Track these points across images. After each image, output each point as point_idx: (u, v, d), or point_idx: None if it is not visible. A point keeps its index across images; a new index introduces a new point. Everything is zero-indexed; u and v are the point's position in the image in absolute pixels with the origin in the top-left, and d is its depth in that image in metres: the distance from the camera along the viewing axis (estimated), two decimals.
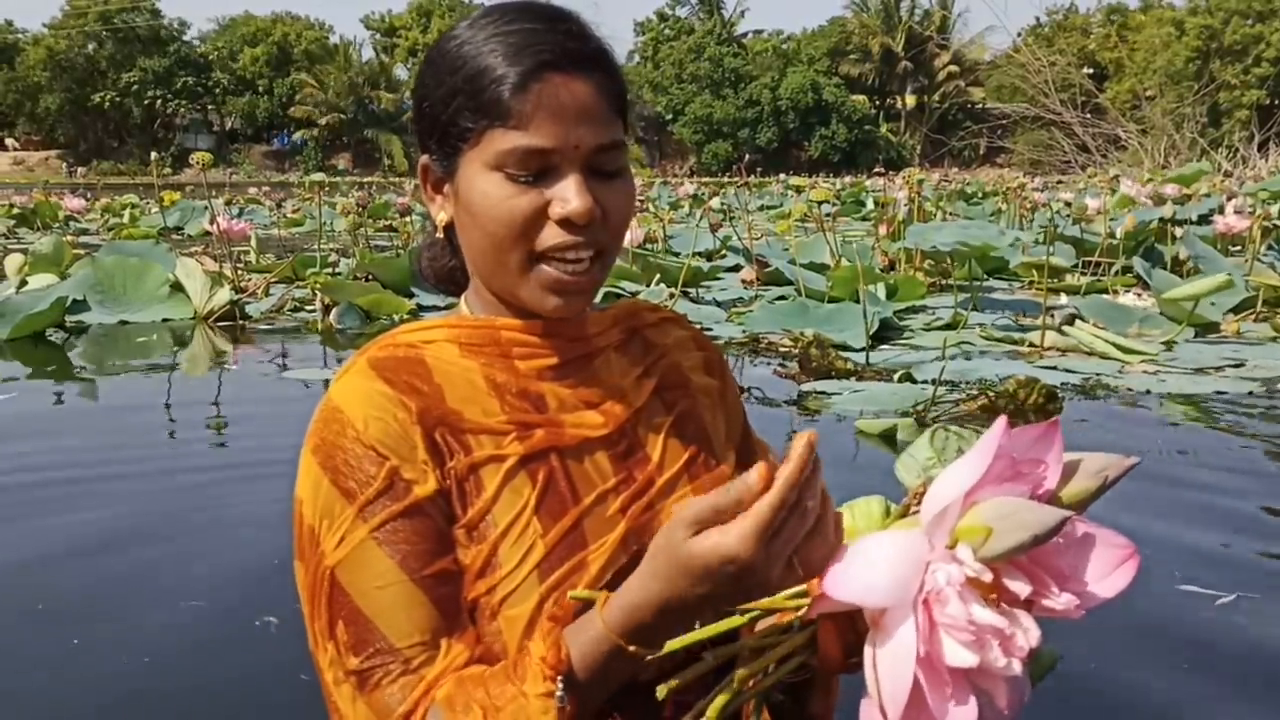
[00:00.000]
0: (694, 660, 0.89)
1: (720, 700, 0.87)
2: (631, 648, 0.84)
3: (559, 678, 0.84)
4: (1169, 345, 5.54)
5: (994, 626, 0.74)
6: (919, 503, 0.82)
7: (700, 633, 0.86)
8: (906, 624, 0.75)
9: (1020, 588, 0.77)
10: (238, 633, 2.29)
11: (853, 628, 0.87)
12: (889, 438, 3.78)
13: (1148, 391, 4.55)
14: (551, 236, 0.95)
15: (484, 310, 1.05)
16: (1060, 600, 0.78)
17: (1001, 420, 0.78)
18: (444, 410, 0.97)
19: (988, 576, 0.75)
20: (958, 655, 0.74)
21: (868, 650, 0.78)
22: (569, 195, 0.93)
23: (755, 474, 0.77)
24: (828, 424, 4.06)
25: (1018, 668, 0.76)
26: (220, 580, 2.59)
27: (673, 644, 0.85)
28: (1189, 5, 54.50)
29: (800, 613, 0.87)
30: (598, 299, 1.06)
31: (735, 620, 0.87)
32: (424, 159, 1.02)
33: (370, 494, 0.92)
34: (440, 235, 1.07)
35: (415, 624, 0.91)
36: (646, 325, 1.14)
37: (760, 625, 0.91)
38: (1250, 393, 4.51)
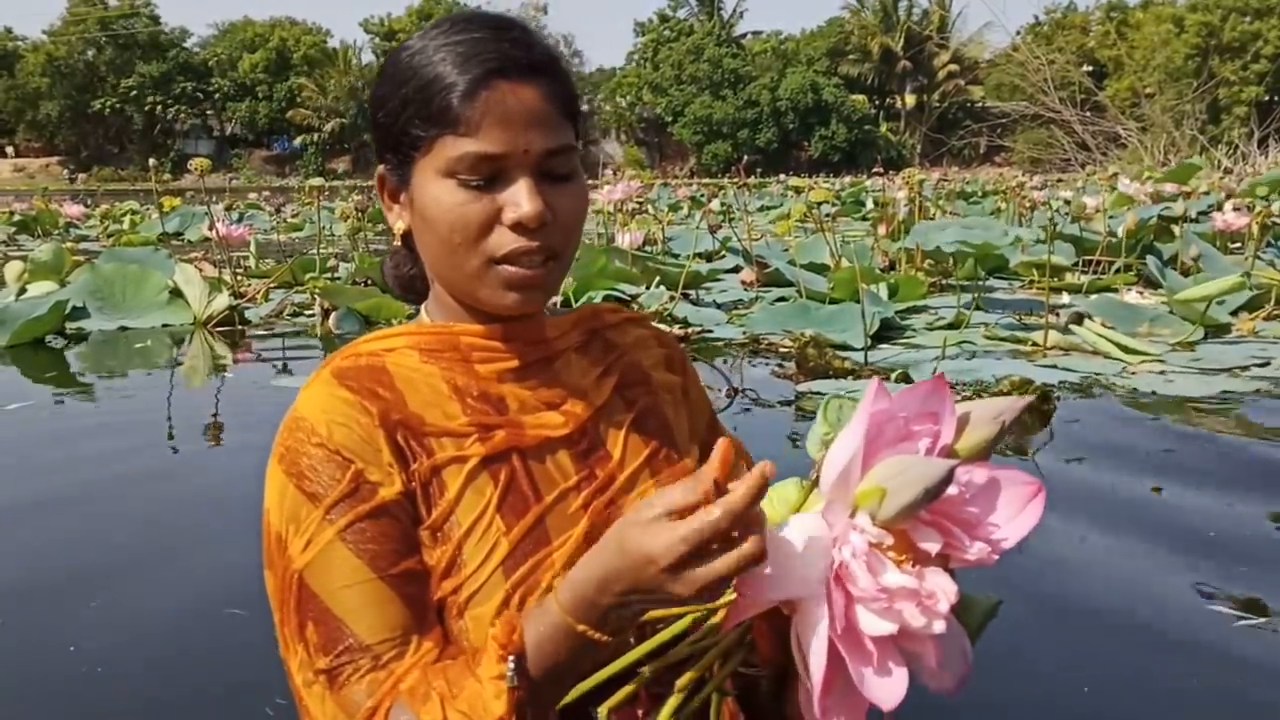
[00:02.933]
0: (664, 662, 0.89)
1: (670, 705, 0.87)
2: (580, 628, 0.84)
3: (510, 658, 0.85)
4: (1190, 346, 5.47)
5: (905, 588, 0.75)
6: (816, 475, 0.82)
7: (657, 613, 0.87)
8: (819, 604, 0.75)
9: (931, 545, 0.77)
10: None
11: (783, 616, 0.87)
12: None
13: (1153, 393, 4.52)
14: (507, 242, 0.97)
15: (444, 316, 1.07)
16: (973, 550, 0.78)
17: (874, 381, 0.79)
18: (406, 414, 0.98)
19: (889, 540, 0.75)
20: (874, 625, 0.75)
21: (792, 635, 0.78)
22: (520, 200, 0.95)
23: (709, 468, 0.77)
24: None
25: (940, 626, 0.76)
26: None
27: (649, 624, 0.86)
28: (1188, 2, 54.48)
29: (718, 617, 0.88)
30: (581, 299, 1.07)
31: (677, 627, 0.88)
32: (380, 169, 1.05)
33: (335, 496, 0.93)
34: (398, 243, 1.09)
35: (385, 621, 0.92)
36: (607, 326, 1.16)
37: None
38: (1258, 391, 4.48)
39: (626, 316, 1.20)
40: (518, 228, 0.96)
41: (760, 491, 0.75)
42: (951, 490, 0.76)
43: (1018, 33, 43.17)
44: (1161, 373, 4.90)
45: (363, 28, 71.53)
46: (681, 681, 0.87)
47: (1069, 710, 1.99)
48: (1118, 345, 5.31)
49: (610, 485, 1.05)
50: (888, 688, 0.75)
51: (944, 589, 0.77)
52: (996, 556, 0.80)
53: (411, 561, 0.95)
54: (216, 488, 3.45)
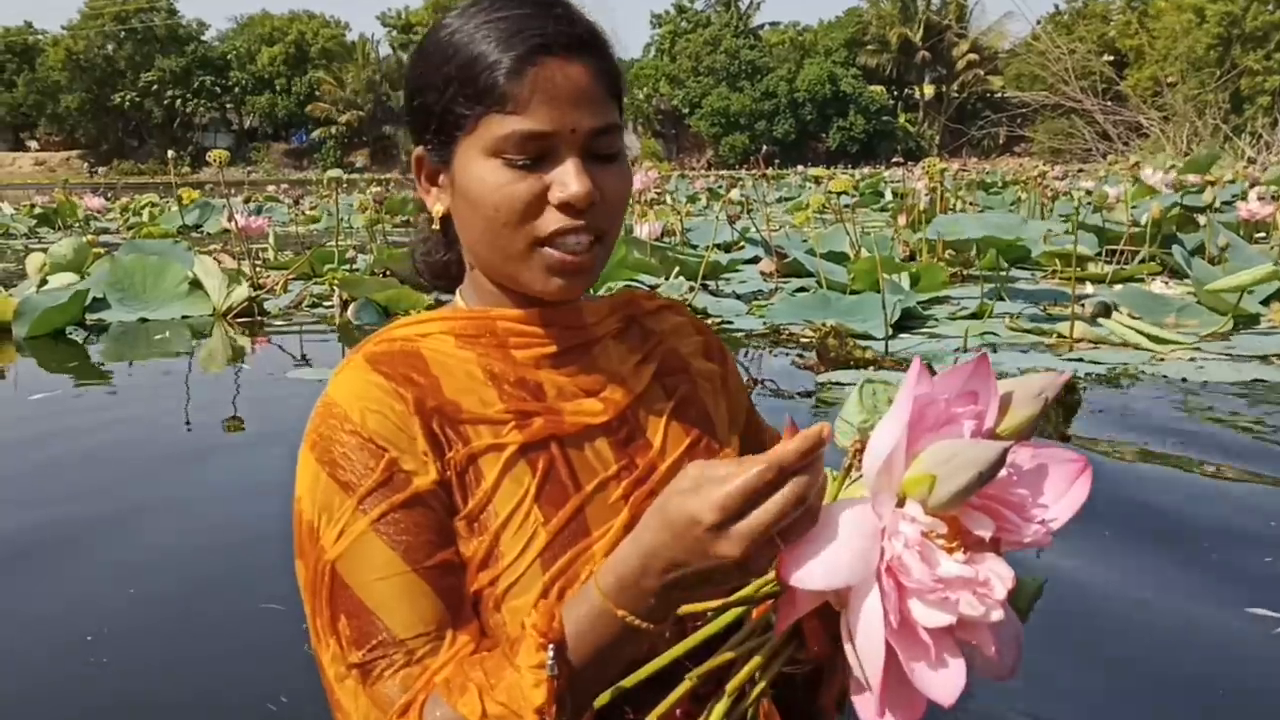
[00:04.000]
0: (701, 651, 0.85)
1: (720, 709, 0.84)
2: (620, 613, 0.82)
3: (549, 646, 0.83)
4: (1225, 336, 5.39)
5: (962, 578, 0.72)
6: (859, 464, 0.79)
7: (692, 607, 0.83)
8: (872, 596, 0.72)
9: (984, 529, 0.74)
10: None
11: (832, 611, 0.84)
12: None
13: (1184, 379, 4.47)
14: (552, 221, 0.94)
15: (480, 301, 1.05)
16: (1028, 532, 0.76)
17: (916, 363, 0.75)
18: (441, 401, 0.96)
19: (942, 529, 0.73)
20: (931, 617, 0.72)
21: (843, 629, 0.75)
22: (568, 179, 0.93)
23: (782, 447, 0.74)
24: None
25: (998, 614, 0.73)
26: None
27: (687, 611, 0.82)
28: None
29: (765, 608, 0.85)
30: (601, 289, 1.04)
31: (730, 615, 0.85)
32: (418, 150, 1.02)
33: (369, 485, 0.91)
34: (435, 228, 1.06)
35: (419, 615, 0.90)
36: (644, 313, 1.14)
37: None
38: None
39: (662, 303, 1.18)
40: (565, 208, 0.93)
41: (813, 448, 0.73)
42: (1000, 473, 0.73)
43: (1038, 22, 42.90)
44: (1191, 359, 4.85)
45: (380, 20, 71.63)
46: (732, 685, 0.83)
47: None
48: (1148, 336, 5.24)
49: (651, 475, 1.02)
50: (945, 681, 0.72)
51: (1000, 575, 0.74)
52: (1051, 538, 0.77)
53: (447, 553, 0.92)
54: (242, 478, 3.45)
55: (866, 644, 0.72)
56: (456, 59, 0.94)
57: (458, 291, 1.08)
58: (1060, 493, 0.79)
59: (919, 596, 0.72)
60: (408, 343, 1.00)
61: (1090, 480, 0.79)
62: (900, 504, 0.74)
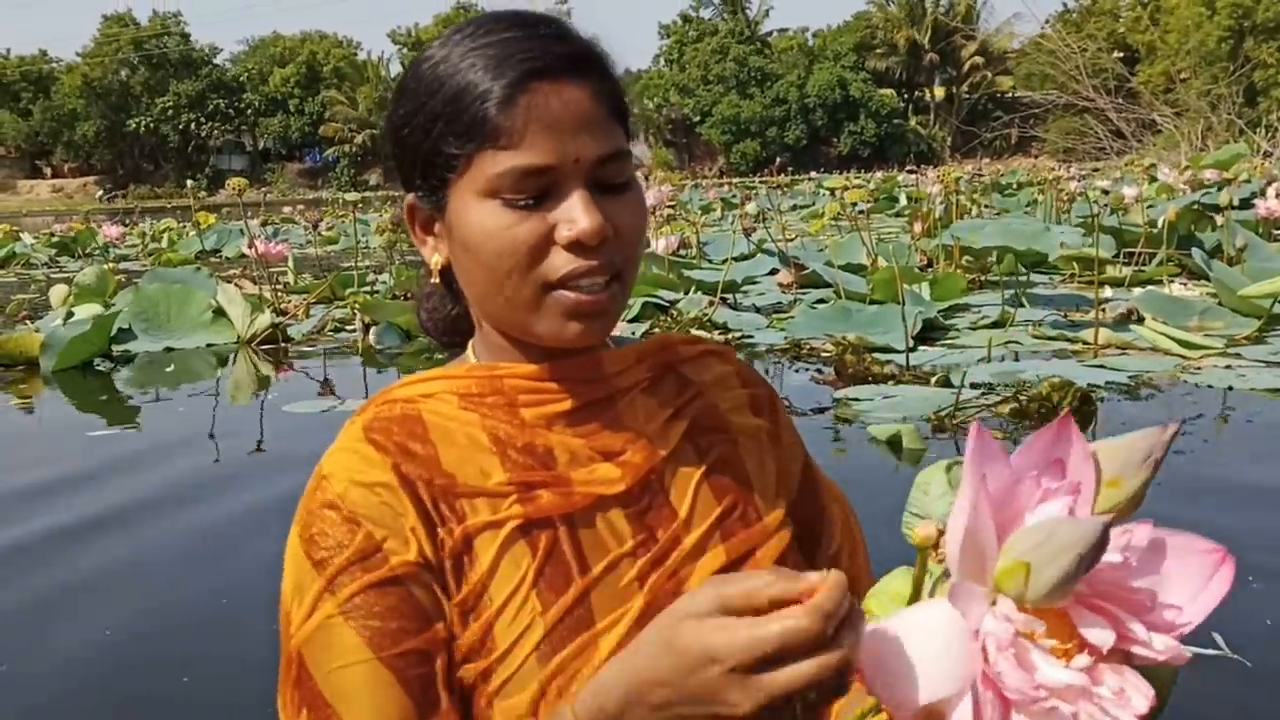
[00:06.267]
0: None
1: None
2: None
3: None
4: (1259, 340, 5.36)
5: (1074, 686, 0.61)
6: (938, 557, 0.69)
7: None
8: (963, 709, 0.62)
9: (1099, 635, 0.63)
10: None
11: None
12: (895, 444, 3.75)
13: (1230, 388, 4.42)
14: (562, 263, 0.84)
15: (490, 356, 0.94)
16: (1157, 644, 0.62)
17: (973, 429, 0.63)
18: (437, 473, 0.86)
19: (1040, 627, 0.62)
20: None
21: None
22: (575, 215, 0.83)
23: (819, 577, 0.63)
24: (851, 433, 4.05)
25: None
26: None
27: None
28: None
29: None
30: (617, 331, 0.96)
31: None
32: (409, 198, 0.91)
33: (340, 563, 0.82)
34: (435, 281, 0.95)
35: (378, 709, 0.80)
36: (682, 360, 1.01)
37: None
38: None
39: (707, 349, 1.04)
40: (574, 247, 0.83)
41: (844, 590, 0.63)
42: (1112, 558, 0.62)
43: (1047, 21, 42.75)
44: (1229, 366, 4.79)
45: (391, 38, 72.04)
46: None
47: None
48: (1177, 341, 5.18)
49: (672, 551, 0.90)
50: None
51: (1136, 688, 0.62)
52: (1189, 655, 0.64)
53: (419, 640, 0.82)
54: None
55: None
56: (442, 93, 0.85)
57: (469, 345, 0.98)
58: (1194, 589, 0.65)
59: (1022, 709, 0.62)
60: (409, 405, 0.91)
61: (1233, 574, 0.65)
62: (993, 603, 0.63)
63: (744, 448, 0.99)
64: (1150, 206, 9.17)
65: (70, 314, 7.22)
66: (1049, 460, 0.65)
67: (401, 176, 0.92)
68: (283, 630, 0.86)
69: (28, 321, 7.43)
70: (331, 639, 0.81)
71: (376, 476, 0.85)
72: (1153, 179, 11.52)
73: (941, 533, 0.66)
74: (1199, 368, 4.81)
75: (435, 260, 0.92)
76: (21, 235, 15.98)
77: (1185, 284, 6.81)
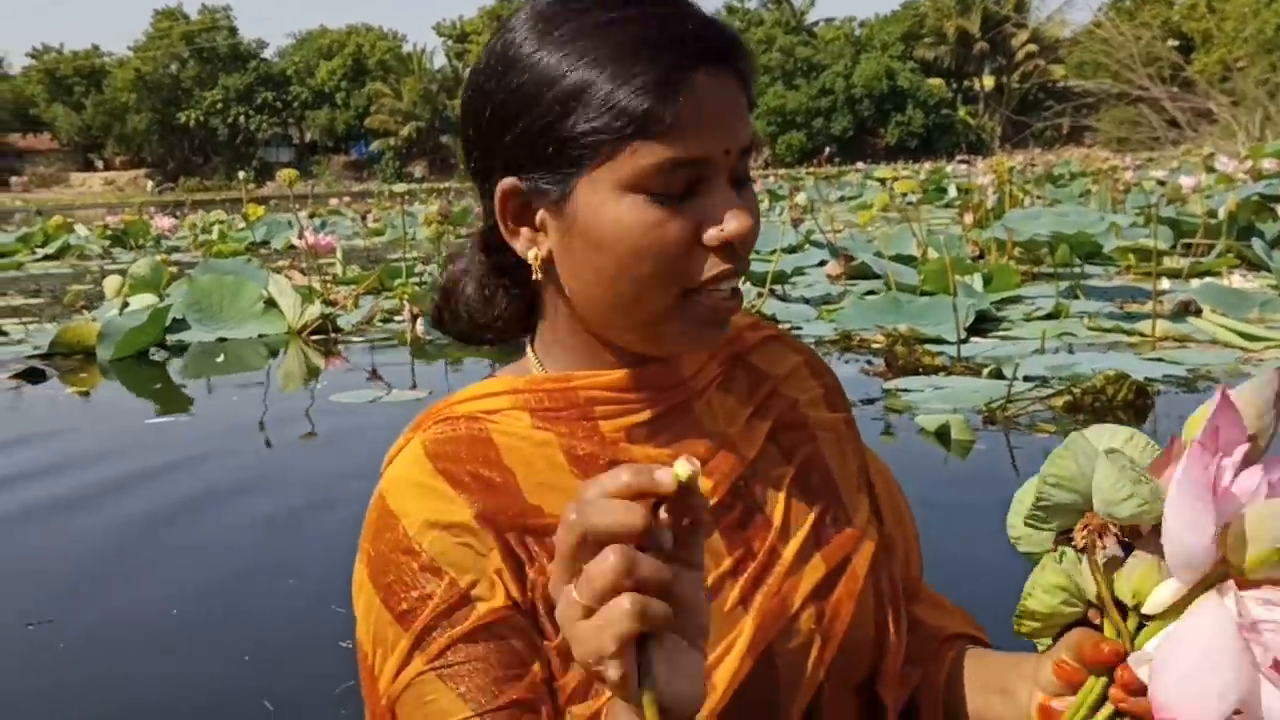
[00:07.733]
0: None
1: None
2: None
3: None
4: None
5: None
6: (1104, 548, 0.68)
7: None
8: (1269, 695, 0.61)
9: None
10: None
11: None
12: (943, 435, 3.69)
13: None
14: (707, 265, 0.77)
15: (565, 361, 0.86)
16: None
17: (1220, 392, 0.62)
18: (520, 507, 0.79)
19: None
20: None
21: None
22: (728, 214, 0.76)
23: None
24: (901, 422, 4.01)
25: None
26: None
27: None
28: None
29: None
30: None
31: None
32: (507, 183, 0.80)
33: (426, 618, 0.77)
34: (537, 278, 0.84)
35: None
36: (749, 348, 0.94)
37: None
38: None
39: (768, 334, 0.98)
40: (723, 248, 0.77)
41: (646, 484, 0.58)
42: None
43: (1099, 9, 42.10)
44: None
45: (436, 31, 72.46)
46: None
47: None
48: (1239, 333, 5.06)
49: (772, 566, 0.84)
50: None
51: None
52: None
53: (519, 688, 0.77)
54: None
55: None
56: (574, 74, 0.76)
57: (531, 349, 0.89)
58: None
59: None
60: (473, 423, 0.83)
61: None
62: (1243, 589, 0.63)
63: (824, 444, 0.93)
64: (1208, 197, 8.99)
65: (125, 304, 7.32)
66: (1229, 430, 0.64)
67: (503, 163, 0.81)
68: (364, 680, 0.82)
69: (84, 311, 7.54)
70: (425, 695, 0.77)
71: (455, 517, 0.78)
72: (1211, 169, 11.29)
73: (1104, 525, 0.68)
74: (1261, 359, 4.70)
75: (533, 254, 0.82)
76: (76, 227, 16.25)
77: (1245, 275, 6.66)
